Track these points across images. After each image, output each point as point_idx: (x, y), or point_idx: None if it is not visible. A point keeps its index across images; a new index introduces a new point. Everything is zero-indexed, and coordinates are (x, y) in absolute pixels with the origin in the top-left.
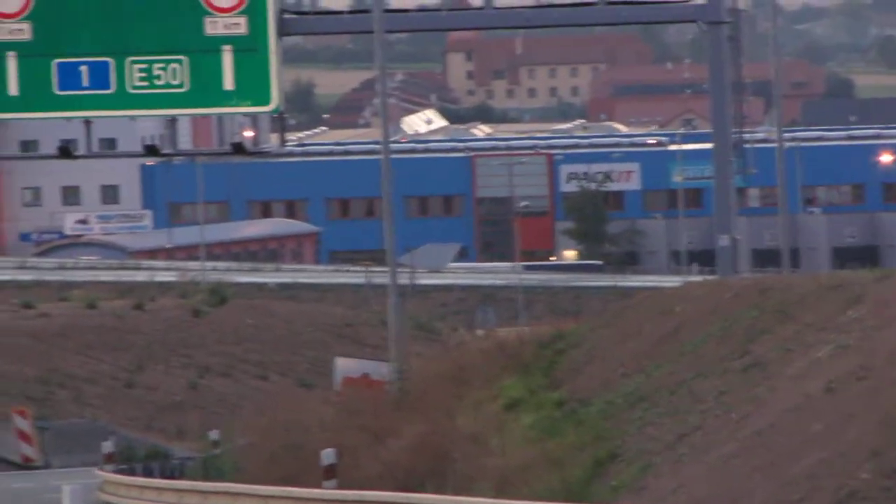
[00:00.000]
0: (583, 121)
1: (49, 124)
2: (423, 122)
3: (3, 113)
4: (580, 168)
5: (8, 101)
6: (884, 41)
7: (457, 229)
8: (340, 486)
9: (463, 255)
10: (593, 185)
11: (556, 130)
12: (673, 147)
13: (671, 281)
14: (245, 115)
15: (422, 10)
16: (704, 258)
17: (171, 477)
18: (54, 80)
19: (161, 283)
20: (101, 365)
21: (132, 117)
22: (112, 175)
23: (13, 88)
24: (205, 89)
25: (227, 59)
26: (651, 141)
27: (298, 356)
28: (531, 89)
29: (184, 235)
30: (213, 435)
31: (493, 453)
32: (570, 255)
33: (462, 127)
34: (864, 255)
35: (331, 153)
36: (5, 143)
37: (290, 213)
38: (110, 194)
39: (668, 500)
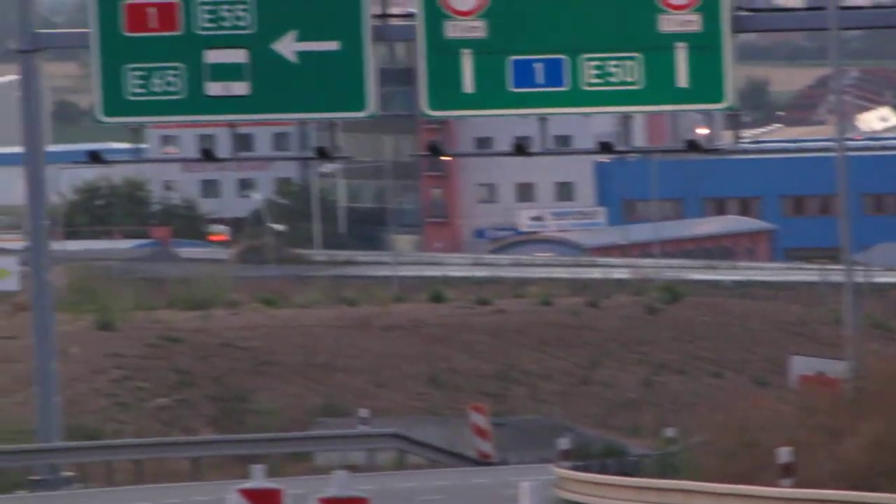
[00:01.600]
0: None
1: (503, 121)
2: (878, 119)
3: (458, 110)
4: None
5: (463, 99)
6: None
7: None
8: (796, 485)
9: None
10: None
11: None
12: None
13: None
14: (698, 112)
15: (877, 7)
16: None
17: (627, 474)
18: (509, 77)
19: (616, 281)
20: (556, 361)
21: (586, 114)
22: (566, 172)
23: (468, 86)
24: (658, 86)
25: (681, 56)
26: None
27: (752, 354)
28: None
29: (638, 232)
30: (669, 432)
31: None
32: None
33: None
34: None
35: (784, 150)
36: (461, 141)
37: (744, 210)
38: (564, 191)
39: None
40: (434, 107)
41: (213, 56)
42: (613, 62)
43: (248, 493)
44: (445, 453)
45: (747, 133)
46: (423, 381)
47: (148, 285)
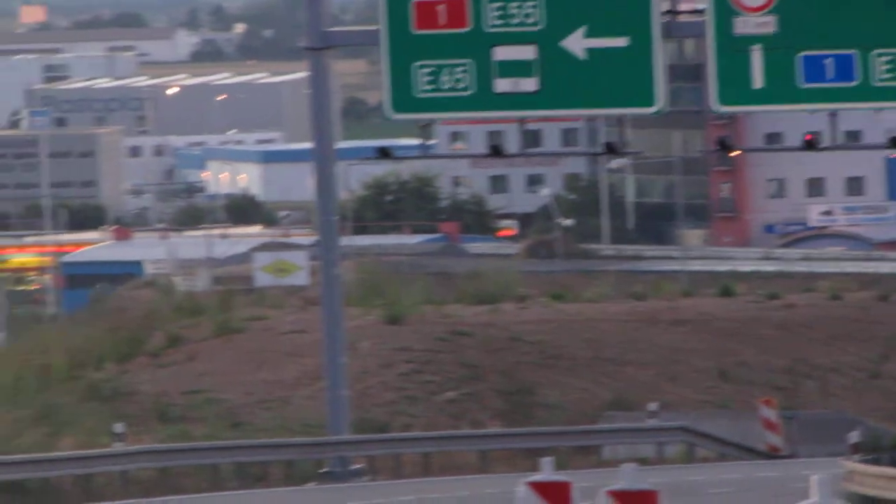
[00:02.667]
0: None
1: (792, 117)
2: None
3: (747, 106)
4: None
5: (752, 94)
6: None
7: None
8: None
9: None
10: None
11: None
12: None
13: None
14: None
15: None
16: None
17: None
18: (798, 72)
19: None
20: (845, 356)
21: (876, 110)
22: (857, 167)
23: (758, 81)
24: None
25: None
26: None
27: None
28: None
29: None
30: None
31: None
32: None
33: None
34: None
35: None
36: (749, 136)
37: None
38: (854, 186)
39: None
40: (723, 102)
41: (502, 53)
42: None
43: (537, 486)
44: (734, 446)
45: None
46: (713, 376)
47: (436, 280)
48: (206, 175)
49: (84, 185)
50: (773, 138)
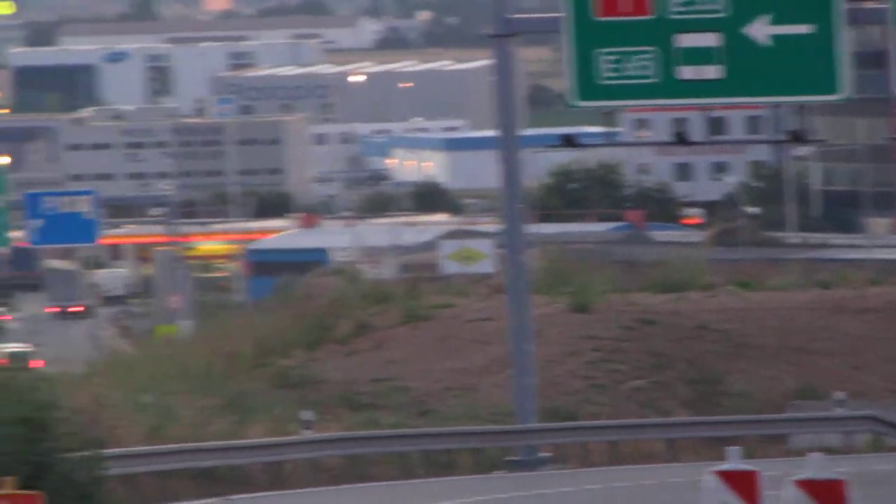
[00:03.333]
0: None
1: None
2: None
3: None
4: None
5: None
6: None
7: None
8: None
9: None
10: None
11: None
12: None
13: None
14: None
15: None
16: None
17: None
18: None
19: None
20: None
21: None
22: None
23: None
24: None
25: None
26: None
27: None
28: None
29: None
30: None
31: None
32: None
33: None
34: None
35: None
36: None
37: None
38: None
39: None
40: None
41: (685, 40)
42: None
43: (724, 475)
44: None
45: None
46: None
47: (622, 268)
48: (390, 163)
49: (270, 173)
50: None
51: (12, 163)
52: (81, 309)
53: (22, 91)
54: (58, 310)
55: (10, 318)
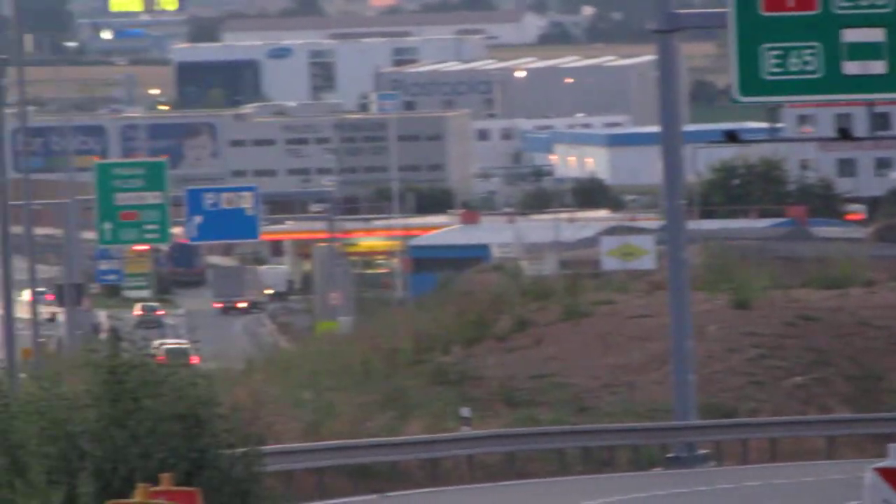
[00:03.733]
0: None
1: None
2: None
3: None
4: None
5: None
6: None
7: None
8: None
9: None
10: None
11: None
12: None
13: None
14: None
15: None
16: None
17: None
18: None
19: None
20: None
21: None
22: None
23: None
24: None
25: None
26: None
27: None
28: None
29: None
30: None
31: None
32: None
33: None
34: None
35: None
36: None
37: None
38: None
39: None
40: None
41: (851, 35)
42: None
43: (884, 472)
44: None
45: None
46: None
47: (783, 264)
48: (553, 158)
49: (432, 169)
50: None
51: (173, 159)
52: (246, 305)
53: (184, 87)
54: (222, 305)
55: (163, 313)
